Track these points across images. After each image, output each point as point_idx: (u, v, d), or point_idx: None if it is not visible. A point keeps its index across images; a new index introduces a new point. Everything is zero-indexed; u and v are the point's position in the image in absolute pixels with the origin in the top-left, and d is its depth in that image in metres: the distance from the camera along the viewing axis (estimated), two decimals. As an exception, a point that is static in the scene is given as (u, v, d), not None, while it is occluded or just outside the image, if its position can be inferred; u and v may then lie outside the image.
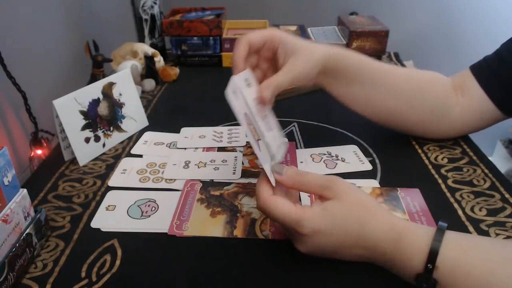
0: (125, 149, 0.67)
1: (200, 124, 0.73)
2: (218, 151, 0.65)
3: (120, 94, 0.69)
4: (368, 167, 0.60)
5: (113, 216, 0.51)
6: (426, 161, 0.62)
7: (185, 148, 0.66)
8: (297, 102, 0.75)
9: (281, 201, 0.41)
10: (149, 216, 0.51)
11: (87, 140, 0.63)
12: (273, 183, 0.43)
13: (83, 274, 0.43)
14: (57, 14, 0.91)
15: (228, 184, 0.57)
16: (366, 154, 0.64)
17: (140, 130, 0.72)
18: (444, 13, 1.78)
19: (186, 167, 0.61)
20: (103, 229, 0.49)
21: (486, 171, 0.59)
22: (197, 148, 0.66)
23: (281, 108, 0.78)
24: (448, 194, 0.55)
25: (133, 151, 0.66)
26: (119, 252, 0.46)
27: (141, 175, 0.59)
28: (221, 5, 1.14)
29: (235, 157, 0.63)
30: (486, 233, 0.48)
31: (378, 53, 1.00)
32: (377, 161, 0.62)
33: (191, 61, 1.04)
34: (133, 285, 0.42)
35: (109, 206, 0.53)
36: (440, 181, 0.57)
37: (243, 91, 0.46)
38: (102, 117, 0.66)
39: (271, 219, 0.43)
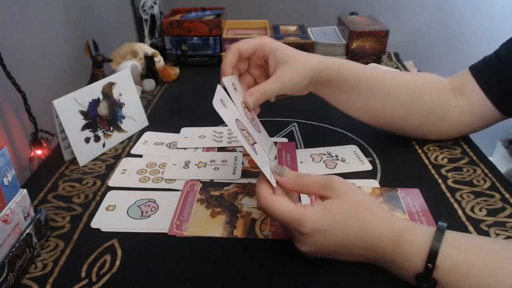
0: (125, 149, 0.67)
1: (200, 124, 0.73)
2: (218, 151, 0.65)
3: (120, 94, 0.69)
4: (368, 167, 0.60)
5: (113, 216, 0.51)
6: (426, 161, 0.62)
7: (185, 148, 0.66)
8: (297, 102, 0.75)
9: (282, 200, 0.41)
10: (149, 216, 0.51)
11: (87, 140, 0.63)
12: (274, 184, 0.43)
13: (83, 274, 0.43)
14: (57, 14, 0.91)
15: (228, 184, 0.57)
16: (366, 154, 0.64)
17: (140, 130, 0.72)
18: (444, 13, 1.78)
19: (186, 167, 0.61)
20: (103, 229, 0.49)
21: (486, 171, 0.59)
22: (197, 148, 0.66)
23: (281, 108, 0.78)
24: (448, 194, 0.55)
25: (133, 151, 0.66)
26: (119, 252, 0.46)
27: (141, 175, 0.59)
28: (221, 5, 1.14)
29: (235, 157, 0.63)
30: (486, 233, 0.48)
31: (378, 53, 1.00)
32: (377, 161, 0.62)
33: (191, 61, 1.04)
34: (133, 285, 0.42)
35: (109, 206, 0.53)
36: (440, 181, 0.57)
37: (231, 94, 0.47)
38: (102, 117, 0.66)
39: (271, 218, 0.43)
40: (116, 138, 0.68)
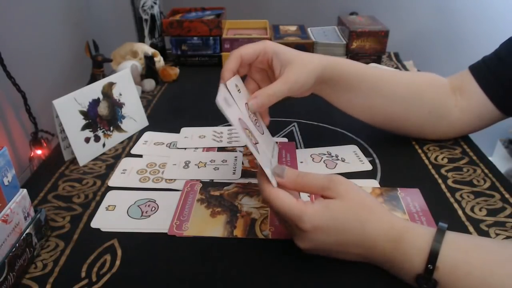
0: (125, 149, 0.67)
1: (200, 124, 0.73)
2: (218, 151, 0.65)
3: (120, 94, 0.69)
4: (368, 167, 0.60)
5: (113, 216, 0.51)
6: (426, 161, 0.62)
7: (185, 148, 0.66)
8: (297, 102, 0.75)
9: (284, 194, 0.42)
10: (149, 216, 0.51)
11: (87, 140, 0.63)
12: (274, 185, 0.43)
13: (83, 274, 0.43)
14: (57, 14, 0.91)
15: (228, 184, 0.57)
16: (366, 154, 0.64)
17: (140, 130, 0.72)
18: (444, 13, 1.78)
19: (186, 167, 0.61)
20: (103, 229, 0.49)
21: (486, 171, 0.59)
22: (197, 148, 0.66)
23: (281, 108, 0.78)
24: (448, 194, 0.55)
25: (133, 151, 0.66)
26: (119, 252, 0.46)
27: (141, 175, 0.59)
28: (221, 5, 1.14)
29: (235, 157, 0.63)
30: (486, 233, 0.48)
31: (378, 53, 1.00)
32: (377, 161, 0.62)
33: (191, 61, 1.04)
34: (133, 285, 0.42)
35: (109, 206, 0.53)
36: (440, 181, 0.57)
37: (234, 96, 0.47)
38: (102, 117, 0.66)
39: (274, 211, 0.43)
40: (116, 138, 0.68)
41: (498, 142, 2.00)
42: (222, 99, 0.44)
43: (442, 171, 0.59)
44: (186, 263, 0.44)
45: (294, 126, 0.73)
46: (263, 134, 0.49)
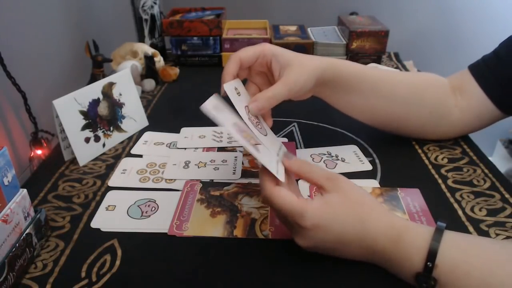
0: (125, 149, 0.67)
1: (200, 124, 0.73)
2: (218, 151, 0.65)
3: (120, 94, 0.69)
4: (368, 167, 0.60)
5: (113, 216, 0.51)
6: (426, 161, 0.62)
7: (185, 148, 0.66)
8: (297, 102, 0.75)
9: (285, 192, 0.42)
10: (149, 216, 0.51)
11: (87, 140, 0.63)
12: (282, 180, 0.43)
13: (83, 274, 0.43)
14: (57, 14, 0.91)
15: (228, 184, 0.57)
16: (366, 154, 0.64)
17: (140, 130, 0.72)
18: (444, 13, 1.78)
19: (186, 167, 0.61)
20: (103, 229, 0.49)
21: (486, 171, 0.59)
22: (197, 148, 0.66)
23: (281, 108, 0.78)
24: (448, 194, 0.55)
25: (133, 151, 0.66)
26: (119, 252, 0.46)
27: (141, 175, 0.59)
28: (221, 5, 1.14)
29: (235, 157, 0.63)
30: (486, 233, 0.48)
31: (378, 53, 1.01)
32: (377, 161, 0.62)
33: (191, 61, 1.04)
34: (133, 285, 0.42)
35: (109, 206, 0.53)
36: (440, 181, 0.57)
37: (233, 99, 0.46)
38: (102, 117, 0.66)
39: (274, 209, 0.43)
40: (116, 138, 0.68)
41: (498, 142, 2.00)
42: (211, 106, 0.44)
43: (442, 171, 0.59)
44: (186, 263, 0.44)
45: (294, 126, 0.73)
46: (266, 135, 0.49)
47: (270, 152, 0.46)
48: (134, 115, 0.72)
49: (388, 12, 1.67)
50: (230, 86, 0.49)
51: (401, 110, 0.61)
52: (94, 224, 0.50)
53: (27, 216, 0.44)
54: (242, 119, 0.47)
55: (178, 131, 0.71)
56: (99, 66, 0.84)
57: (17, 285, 0.41)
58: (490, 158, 0.62)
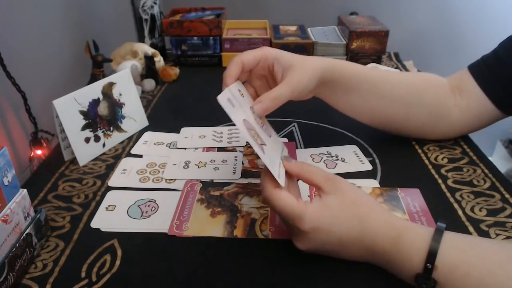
0: (125, 149, 0.67)
1: (200, 124, 0.73)
2: (218, 151, 0.65)
3: (120, 94, 0.69)
4: (368, 167, 0.60)
5: (113, 216, 0.51)
6: (426, 161, 0.62)
7: (185, 148, 0.66)
8: (297, 102, 0.76)
9: (285, 194, 0.42)
10: (149, 216, 0.51)
11: (87, 140, 0.63)
12: (283, 184, 0.43)
13: (83, 274, 0.43)
14: (57, 14, 0.91)
15: (228, 184, 0.57)
16: (366, 154, 0.64)
17: (140, 130, 0.72)
18: (444, 13, 1.78)
19: (186, 167, 0.61)
20: (103, 229, 0.49)
21: (486, 171, 0.59)
22: (197, 148, 0.66)
23: (281, 108, 0.78)
24: (448, 194, 0.55)
25: (133, 151, 0.66)
26: (119, 252, 0.46)
27: (141, 175, 0.59)
28: (221, 5, 1.14)
29: (235, 157, 0.63)
30: (486, 234, 0.48)
31: (378, 53, 1.01)
32: (377, 161, 0.62)
33: (191, 61, 1.04)
34: (133, 285, 0.42)
35: (109, 206, 0.53)
36: (440, 181, 0.57)
37: (238, 100, 0.46)
38: (102, 117, 0.66)
39: (274, 211, 0.43)
40: (116, 138, 0.68)
41: (498, 142, 2.00)
42: (225, 98, 0.44)
43: (442, 171, 0.59)
44: (186, 263, 0.44)
45: (294, 126, 0.73)
46: (270, 137, 0.49)
47: (274, 154, 0.46)
48: (134, 115, 0.72)
49: (388, 12, 1.67)
50: (234, 88, 0.48)
51: (400, 110, 0.61)
52: (94, 224, 0.50)
53: (27, 216, 0.44)
54: (250, 120, 0.46)
55: (178, 131, 0.71)
56: (99, 66, 0.84)
57: (17, 285, 0.41)
58: (490, 158, 0.62)
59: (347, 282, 0.42)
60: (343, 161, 0.62)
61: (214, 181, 0.58)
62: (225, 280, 0.42)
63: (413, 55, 1.26)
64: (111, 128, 0.67)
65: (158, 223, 0.50)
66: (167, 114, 0.80)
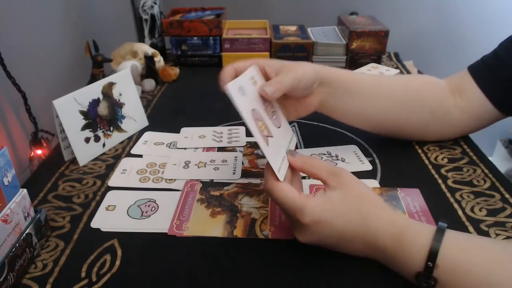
0: (125, 149, 0.67)
1: (200, 124, 0.73)
2: (218, 151, 0.65)
3: (120, 94, 0.69)
4: (368, 167, 0.60)
5: (113, 216, 0.51)
6: (426, 161, 0.62)
7: (185, 148, 0.66)
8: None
9: (287, 187, 0.42)
10: (149, 216, 0.51)
11: (87, 140, 0.63)
12: (281, 179, 0.43)
13: (83, 274, 0.43)
14: (57, 14, 0.91)
15: (228, 184, 0.57)
16: (366, 154, 0.64)
17: (140, 130, 0.72)
18: (444, 13, 1.78)
19: (186, 167, 0.61)
20: (103, 229, 0.49)
21: (486, 171, 0.59)
22: (197, 148, 0.66)
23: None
24: (448, 194, 0.55)
25: (133, 151, 0.66)
26: (119, 252, 0.46)
27: (141, 175, 0.59)
28: (221, 5, 1.14)
29: (235, 157, 0.63)
30: (486, 233, 0.48)
31: (378, 53, 1.01)
32: (377, 161, 0.62)
33: (191, 61, 1.04)
34: (133, 285, 0.42)
35: (109, 206, 0.53)
36: (440, 181, 0.57)
37: (250, 89, 0.46)
38: (102, 117, 0.66)
39: (276, 203, 0.43)
40: (116, 138, 0.68)
41: (498, 142, 2.00)
42: (235, 87, 0.43)
43: (442, 171, 0.59)
44: (186, 263, 0.44)
45: (294, 126, 0.73)
46: (279, 127, 0.49)
47: (279, 147, 0.46)
48: (134, 115, 0.72)
49: (388, 12, 1.67)
50: (247, 75, 0.47)
51: (403, 114, 0.61)
52: (94, 224, 0.50)
53: (27, 216, 0.44)
54: (259, 109, 0.46)
55: (178, 131, 0.71)
56: (99, 66, 0.84)
57: (17, 285, 0.41)
58: (490, 158, 0.62)
59: (347, 282, 0.42)
60: (343, 161, 0.62)
61: (214, 181, 0.58)
62: (225, 280, 0.42)
63: (413, 55, 1.26)
64: (111, 128, 0.67)
65: (158, 223, 0.50)
66: (167, 114, 0.80)
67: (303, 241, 0.43)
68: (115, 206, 0.53)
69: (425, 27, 1.80)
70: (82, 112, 0.62)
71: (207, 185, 0.57)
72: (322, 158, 0.63)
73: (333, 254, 0.44)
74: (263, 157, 0.63)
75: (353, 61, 1.01)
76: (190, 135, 0.70)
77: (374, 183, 0.57)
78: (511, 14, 1.75)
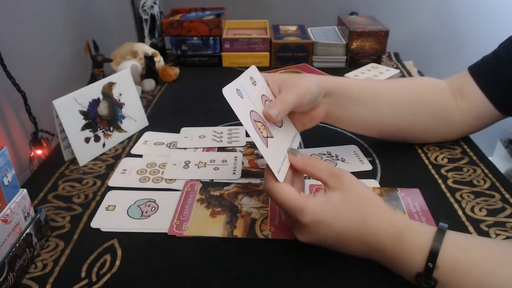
0: (125, 149, 0.67)
1: (200, 124, 0.73)
2: (218, 151, 0.65)
3: (120, 94, 0.69)
4: (368, 167, 0.60)
5: (113, 216, 0.51)
6: (426, 161, 0.62)
7: (185, 148, 0.66)
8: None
9: (287, 187, 0.42)
10: (149, 216, 0.51)
11: (87, 140, 0.63)
12: (281, 180, 0.43)
13: (83, 274, 0.43)
14: (57, 14, 0.91)
15: (228, 184, 0.57)
16: (366, 154, 0.64)
17: (140, 130, 0.72)
18: (444, 13, 1.78)
19: (186, 167, 0.61)
20: (103, 229, 0.49)
21: (486, 171, 0.59)
22: (197, 148, 0.66)
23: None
24: (448, 194, 0.55)
25: (133, 151, 0.66)
26: (119, 252, 0.46)
27: (141, 175, 0.59)
28: (221, 5, 1.14)
29: (235, 157, 0.63)
30: (486, 234, 0.48)
31: (378, 53, 1.01)
32: (377, 161, 0.62)
33: (191, 61, 1.04)
34: (133, 285, 0.42)
35: (109, 206, 0.53)
36: (440, 181, 0.57)
37: (247, 89, 0.46)
38: (102, 117, 0.66)
39: (275, 203, 0.43)
40: (116, 138, 0.68)
41: (498, 142, 2.00)
42: (232, 90, 0.43)
43: (442, 171, 0.59)
44: (186, 263, 0.44)
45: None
46: (281, 127, 0.48)
47: (280, 147, 0.46)
48: (134, 115, 0.72)
49: (388, 12, 1.67)
50: (246, 75, 0.47)
51: (405, 118, 0.60)
52: (94, 224, 0.50)
53: (27, 216, 0.44)
54: (258, 111, 0.45)
55: (178, 131, 0.71)
56: (99, 66, 0.84)
57: (17, 285, 0.41)
58: (490, 158, 0.62)
59: (347, 282, 0.42)
60: (343, 161, 0.62)
61: (214, 181, 0.58)
62: (225, 280, 0.42)
63: (413, 55, 1.26)
64: (111, 128, 0.67)
65: (158, 223, 0.50)
66: (167, 114, 0.80)
67: (303, 241, 0.43)
68: (115, 206, 0.53)
69: (425, 27, 1.80)
70: (82, 112, 0.62)
71: (207, 185, 0.57)
72: (322, 158, 0.63)
73: (333, 254, 0.44)
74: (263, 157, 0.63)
75: (353, 61, 1.01)
76: (190, 135, 0.70)
77: (374, 183, 0.57)
78: (511, 15, 1.75)
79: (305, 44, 1.00)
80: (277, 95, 0.49)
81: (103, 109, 0.66)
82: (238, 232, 0.48)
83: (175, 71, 0.95)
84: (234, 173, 0.59)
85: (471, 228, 0.48)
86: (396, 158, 0.62)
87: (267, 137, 0.44)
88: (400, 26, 1.65)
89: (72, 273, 0.43)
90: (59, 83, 0.89)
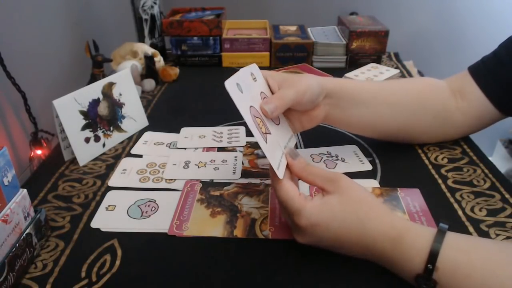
0: (125, 149, 0.67)
1: (200, 124, 0.73)
2: (218, 151, 0.65)
3: (120, 94, 0.69)
4: (368, 167, 0.60)
5: (113, 216, 0.51)
6: (426, 161, 0.62)
7: (185, 148, 0.66)
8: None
9: (290, 185, 0.42)
10: (149, 216, 0.51)
11: (87, 140, 0.63)
12: (280, 176, 0.43)
13: (83, 274, 0.43)
14: (57, 14, 0.91)
15: (228, 184, 0.57)
16: (366, 154, 0.64)
17: (140, 130, 0.72)
18: (444, 13, 1.78)
19: (186, 167, 0.61)
20: (103, 229, 0.49)
21: (486, 171, 0.59)
22: (197, 148, 0.66)
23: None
24: (448, 194, 0.55)
25: (133, 151, 0.66)
26: (119, 252, 0.46)
27: (141, 175, 0.59)
28: (221, 5, 1.14)
29: (235, 157, 0.63)
30: (486, 234, 0.48)
31: (378, 53, 1.01)
32: (377, 161, 0.62)
33: (191, 61, 1.04)
34: (133, 285, 0.42)
35: (109, 206, 0.53)
36: (440, 181, 0.57)
37: (248, 85, 0.46)
38: (102, 117, 0.66)
39: (278, 200, 0.43)
40: (116, 138, 0.68)
41: (498, 142, 2.00)
42: (233, 83, 0.43)
43: (442, 171, 0.59)
44: (186, 263, 0.44)
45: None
46: (278, 124, 0.49)
47: (277, 144, 0.46)
48: (134, 115, 0.72)
49: (388, 12, 1.67)
50: (246, 71, 0.47)
51: (406, 119, 0.60)
52: (94, 224, 0.50)
53: (27, 216, 0.44)
54: (255, 103, 0.46)
55: (178, 131, 0.71)
56: (99, 66, 0.84)
57: (17, 285, 0.41)
58: (490, 158, 0.62)
59: (347, 282, 0.42)
60: (343, 161, 0.62)
61: (214, 181, 0.58)
62: (225, 280, 0.42)
63: (413, 55, 1.26)
64: (111, 128, 0.67)
65: (158, 223, 0.50)
66: (167, 114, 0.80)
67: (301, 241, 0.43)
68: (115, 206, 0.53)
69: (425, 27, 1.80)
70: (82, 112, 0.62)
71: (207, 185, 0.57)
72: (322, 158, 0.63)
73: (333, 254, 0.44)
74: (263, 157, 0.63)
75: (353, 61, 1.01)
76: (190, 135, 0.70)
77: (374, 183, 0.57)
78: (511, 15, 1.75)
79: (305, 44, 1.00)
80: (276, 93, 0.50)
81: (103, 109, 0.66)
82: (238, 232, 0.48)
83: (175, 71, 0.95)
84: (234, 173, 0.59)
85: (471, 228, 0.48)
86: (396, 158, 0.62)
87: (265, 133, 0.45)
88: (400, 26, 1.66)
89: (72, 273, 0.43)
90: (59, 83, 0.89)
